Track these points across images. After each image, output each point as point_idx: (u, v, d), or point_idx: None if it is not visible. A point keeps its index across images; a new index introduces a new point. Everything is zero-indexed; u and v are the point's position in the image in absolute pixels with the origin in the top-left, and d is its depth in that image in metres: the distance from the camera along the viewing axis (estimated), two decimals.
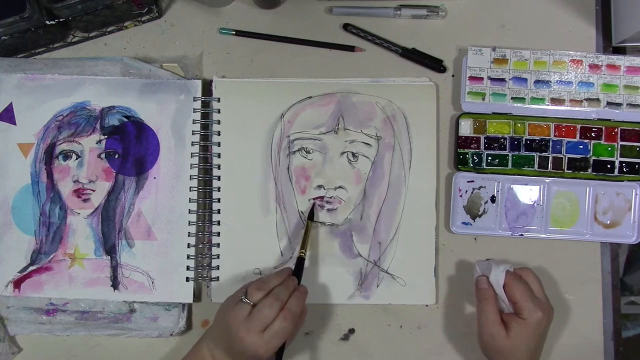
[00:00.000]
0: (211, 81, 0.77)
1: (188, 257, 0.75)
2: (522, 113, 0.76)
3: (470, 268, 0.76)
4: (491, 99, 0.76)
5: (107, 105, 0.76)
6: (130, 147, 0.76)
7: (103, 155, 0.76)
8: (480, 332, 0.67)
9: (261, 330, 0.61)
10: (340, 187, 0.76)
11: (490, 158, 0.76)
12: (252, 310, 0.62)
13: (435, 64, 0.78)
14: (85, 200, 0.75)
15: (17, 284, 0.74)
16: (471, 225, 0.76)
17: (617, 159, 0.76)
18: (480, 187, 0.76)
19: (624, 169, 0.76)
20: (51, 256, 0.75)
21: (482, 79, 0.76)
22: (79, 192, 0.75)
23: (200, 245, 0.76)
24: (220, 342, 0.64)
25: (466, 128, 0.76)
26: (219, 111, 0.76)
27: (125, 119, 0.76)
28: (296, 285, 0.66)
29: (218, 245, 0.75)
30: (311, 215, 0.74)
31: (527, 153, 0.76)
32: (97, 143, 0.76)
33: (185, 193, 0.75)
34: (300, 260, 0.70)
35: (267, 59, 0.78)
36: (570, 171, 0.76)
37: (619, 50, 0.79)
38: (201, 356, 0.65)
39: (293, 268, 0.69)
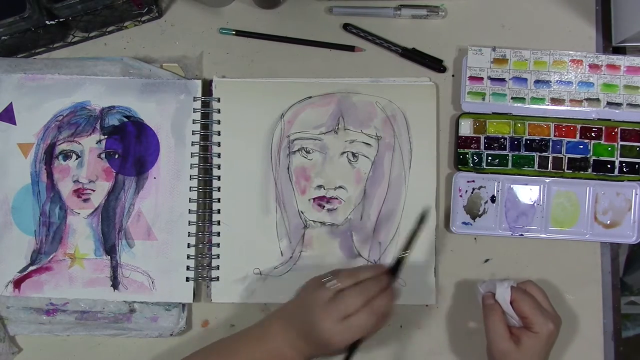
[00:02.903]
0: (211, 81, 0.77)
1: (188, 257, 0.75)
2: (522, 113, 0.76)
3: (470, 268, 0.76)
4: (491, 99, 0.76)
5: (107, 105, 0.76)
6: (130, 147, 0.76)
7: (103, 155, 0.76)
8: (490, 348, 0.66)
9: (340, 318, 0.57)
10: (340, 187, 0.76)
11: (490, 158, 0.76)
12: (336, 296, 0.58)
13: (435, 64, 0.78)
14: (85, 200, 0.75)
15: (17, 284, 0.74)
16: (471, 225, 0.76)
17: (617, 159, 0.76)
18: (480, 187, 0.76)
19: (624, 169, 0.76)
20: (51, 256, 0.75)
21: (482, 79, 0.76)
22: (79, 192, 0.75)
23: (200, 245, 0.76)
24: (295, 321, 0.61)
25: (466, 128, 0.76)
26: (219, 111, 0.76)
27: (125, 119, 0.76)
28: (388, 283, 0.61)
29: (218, 245, 0.75)
30: (423, 218, 0.65)
31: (527, 153, 0.76)
32: (97, 143, 0.76)
33: (185, 193, 0.75)
34: (400, 261, 0.64)
35: (267, 59, 0.78)
36: (570, 171, 0.76)
37: (619, 50, 0.79)
38: (272, 332, 0.62)
39: (389, 266, 0.64)
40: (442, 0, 0.79)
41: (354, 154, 0.76)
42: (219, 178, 0.76)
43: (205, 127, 0.77)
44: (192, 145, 0.76)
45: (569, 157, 0.76)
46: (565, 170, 0.76)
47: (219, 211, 0.75)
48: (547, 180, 0.76)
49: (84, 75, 0.76)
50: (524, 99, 0.76)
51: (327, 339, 0.57)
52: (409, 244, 0.65)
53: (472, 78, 0.76)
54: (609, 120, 0.76)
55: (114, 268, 0.75)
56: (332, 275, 0.61)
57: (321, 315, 0.58)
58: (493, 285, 0.67)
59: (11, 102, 0.76)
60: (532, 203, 0.76)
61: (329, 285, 0.59)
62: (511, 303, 0.65)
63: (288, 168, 0.76)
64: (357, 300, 0.58)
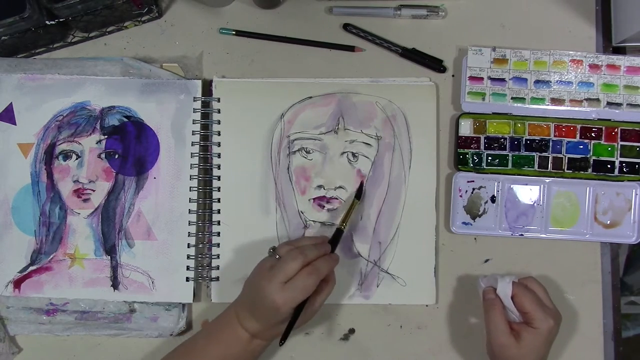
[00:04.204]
0: (211, 81, 0.77)
1: (188, 257, 0.75)
2: (522, 113, 0.76)
3: (470, 268, 0.76)
4: (491, 99, 0.76)
5: (107, 105, 0.76)
6: (130, 147, 0.76)
7: (103, 155, 0.76)
8: (489, 342, 0.66)
9: (283, 281, 0.61)
10: (340, 187, 0.76)
11: (490, 158, 0.76)
12: (278, 262, 0.63)
13: (435, 64, 0.78)
14: (85, 200, 0.75)
15: (17, 284, 0.74)
16: (471, 225, 0.76)
17: (617, 159, 0.76)
18: (480, 187, 0.76)
19: (624, 169, 0.76)
20: (51, 256, 0.75)
21: (482, 79, 0.76)
22: (79, 192, 0.75)
23: (200, 245, 0.76)
24: (245, 301, 0.66)
25: (466, 128, 0.76)
26: (219, 111, 0.76)
27: (125, 119, 0.76)
28: (327, 250, 0.67)
29: (218, 245, 0.75)
30: (358, 194, 0.74)
31: (527, 153, 0.76)
32: (97, 143, 0.76)
33: (185, 193, 0.75)
34: (339, 232, 0.70)
35: (267, 59, 0.78)
36: (570, 171, 0.76)
37: (619, 50, 0.79)
38: (228, 318, 0.66)
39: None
40: (442, 0, 0.79)
41: (354, 154, 0.76)
42: (219, 178, 0.76)
43: (205, 127, 0.77)
44: (192, 145, 0.76)
45: (569, 157, 0.76)
46: (565, 171, 0.76)
47: (219, 211, 0.75)
48: (547, 180, 0.76)
49: (84, 75, 0.76)
50: (524, 99, 0.76)
51: (272, 301, 0.61)
52: (346, 218, 0.72)
53: (472, 78, 0.76)
54: (609, 120, 0.76)
55: (114, 268, 0.75)
56: (273, 247, 0.66)
57: (265, 281, 0.62)
58: (494, 280, 0.67)
59: (11, 102, 0.76)
60: (532, 203, 0.76)
61: (270, 255, 0.65)
62: (512, 298, 0.66)
63: (288, 168, 0.76)
64: (296, 262, 0.62)
